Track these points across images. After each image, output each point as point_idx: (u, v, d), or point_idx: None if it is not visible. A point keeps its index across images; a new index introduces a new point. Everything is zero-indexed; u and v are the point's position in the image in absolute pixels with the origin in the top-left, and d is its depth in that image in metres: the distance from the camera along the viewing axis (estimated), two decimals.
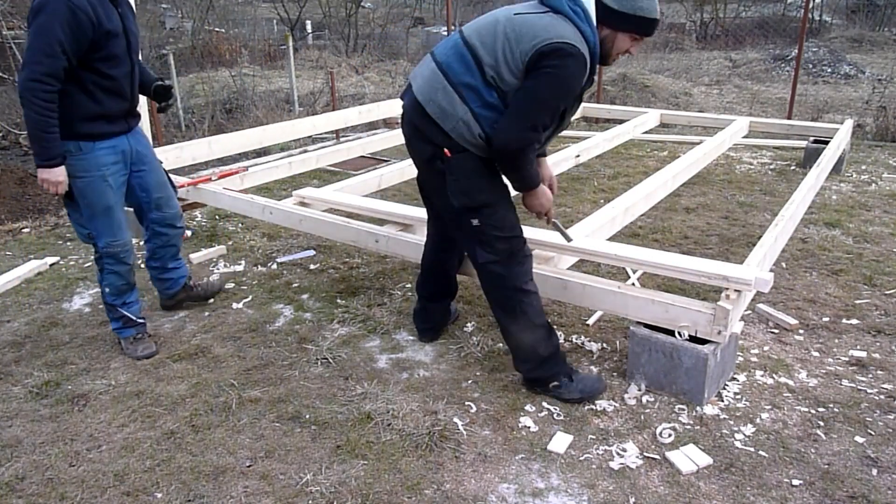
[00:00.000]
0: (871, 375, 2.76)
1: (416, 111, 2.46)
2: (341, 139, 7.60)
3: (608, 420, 2.48)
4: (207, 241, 4.36)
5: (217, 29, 13.87)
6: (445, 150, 2.41)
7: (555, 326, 2.79)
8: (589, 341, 3.03)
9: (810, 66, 11.82)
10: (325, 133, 7.41)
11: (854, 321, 3.20)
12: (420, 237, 3.32)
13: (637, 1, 2.30)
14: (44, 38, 2.47)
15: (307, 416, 2.51)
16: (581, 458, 2.28)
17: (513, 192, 2.55)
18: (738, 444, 2.34)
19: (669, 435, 2.37)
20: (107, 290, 2.93)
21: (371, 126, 8.05)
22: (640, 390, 2.63)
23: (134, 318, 2.98)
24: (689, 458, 2.24)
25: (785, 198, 4.32)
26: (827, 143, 5.39)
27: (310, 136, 6.84)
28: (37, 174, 2.64)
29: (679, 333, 2.51)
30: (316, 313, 3.35)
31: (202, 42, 12.78)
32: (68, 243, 4.39)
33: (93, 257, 2.92)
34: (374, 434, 2.40)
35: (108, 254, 2.86)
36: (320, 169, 5.85)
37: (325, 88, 9.50)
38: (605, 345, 3.00)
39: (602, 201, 4.81)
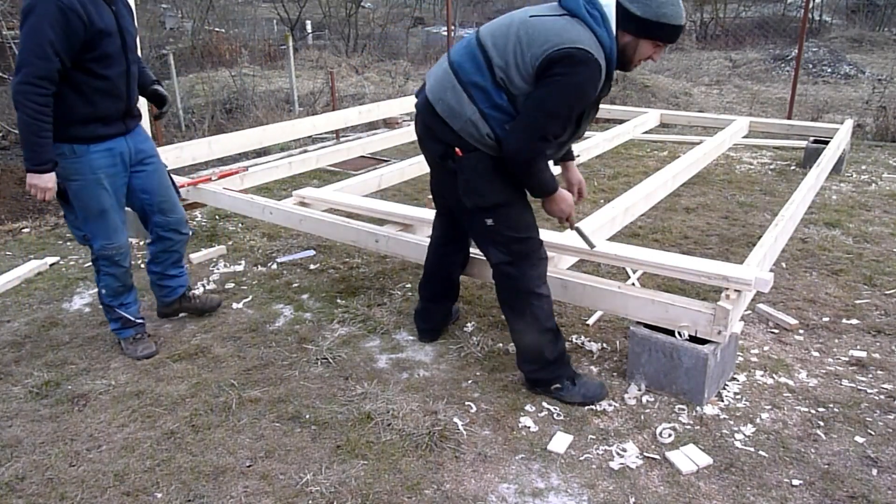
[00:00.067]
0: (871, 375, 2.76)
1: (427, 110, 2.45)
2: (341, 139, 7.59)
3: (608, 420, 2.48)
4: (207, 241, 4.36)
5: (217, 29, 13.87)
6: (457, 150, 2.38)
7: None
8: (589, 341, 3.03)
9: (810, 66, 11.82)
10: (325, 133, 7.41)
11: (854, 321, 3.20)
12: (420, 237, 3.32)
13: (661, 7, 2.20)
14: (34, 40, 2.42)
15: (307, 416, 2.51)
16: (581, 458, 2.28)
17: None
18: (738, 444, 2.34)
19: (669, 435, 2.37)
20: (103, 291, 2.92)
21: (371, 126, 8.05)
22: (640, 390, 2.63)
23: (132, 318, 2.97)
24: (689, 458, 2.24)
25: (785, 198, 4.32)
26: (827, 143, 5.39)
27: (310, 136, 6.84)
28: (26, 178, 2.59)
29: (679, 333, 2.51)
30: (316, 313, 3.35)
31: (202, 42, 12.78)
32: (68, 243, 4.39)
33: (91, 258, 2.90)
34: (374, 434, 2.40)
35: (102, 256, 2.83)
36: (320, 169, 5.85)
37: (325, 88, 9.50)
38: (605, 345, 3.00)
39: (602, 201, 4.81)
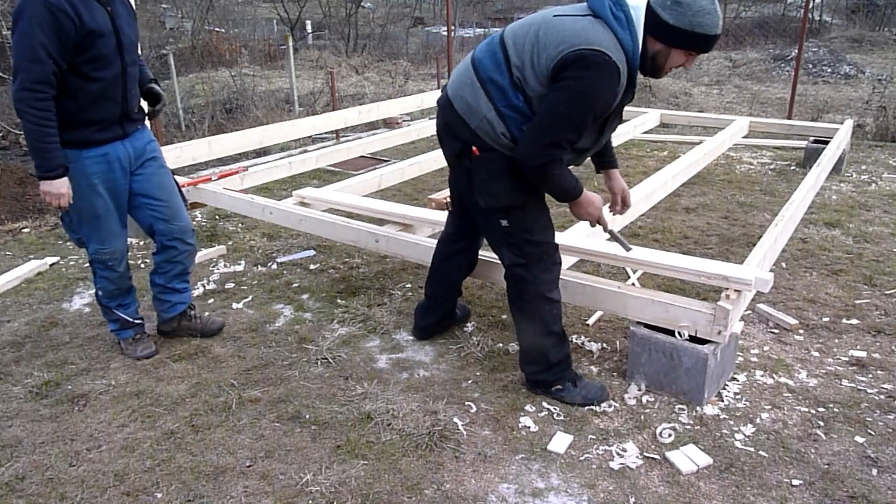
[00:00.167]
0: (871, 375, 2.76)
1: (446, 106, 2.42)
2: (341, 139, 7.60)
3: (608, 420, 2.48)
4: (207, 241, 4.36)
5: (217, 29, 13.88)
6: (473, 148, 2.35)
7: None
8: (589, 341, 3.03)
9: (810, 66, 11.83)
10: (325, 133, 7.41)
11: (854, 321, 3.20)
12: (420, 237, 3.32)
13: (697, 15, 2.07)
14: (26, 44, 2.35)
15: (307, 416, 2.51)
16: (581, 458, 2.28)
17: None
18: (738, 444, 2.34)
19: (669, 435, 2.37)
20: (100, 293, 2.90)
21: (371, 126, 8.05)
22: (640, 390, 2.63)
23: (130, 319, 2.95)
24: (689, 458, 2.24)
25: (785, 198, 4.32)
26: (827, 143, 5.39)
27: (310, 136, 6.85)
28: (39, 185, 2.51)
29: (679, 333, 2.51)
30: (316, 313, 3.35)
31: (202, 42, 12.79)
32: (68, 243, 4.39)
33: (88, 259, 2.87)
34: (374, 434, 2.40)
35: (97, 260, 2.79)
36: (320, 169, 5.85)
37: (325, 88, 9.50)
38: (605, 345, 3.00)
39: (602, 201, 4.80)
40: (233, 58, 12.18)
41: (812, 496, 2.10)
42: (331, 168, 6.11)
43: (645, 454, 2.29)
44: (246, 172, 4.43)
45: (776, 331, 3.13)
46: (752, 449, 2.31)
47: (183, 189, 3.05)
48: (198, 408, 2.58)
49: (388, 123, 8.11)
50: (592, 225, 2.52)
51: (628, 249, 2.68)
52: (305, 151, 6.48)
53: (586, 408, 2.53)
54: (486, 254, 2.93)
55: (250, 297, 3.54)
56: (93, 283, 2.95)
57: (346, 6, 16.00)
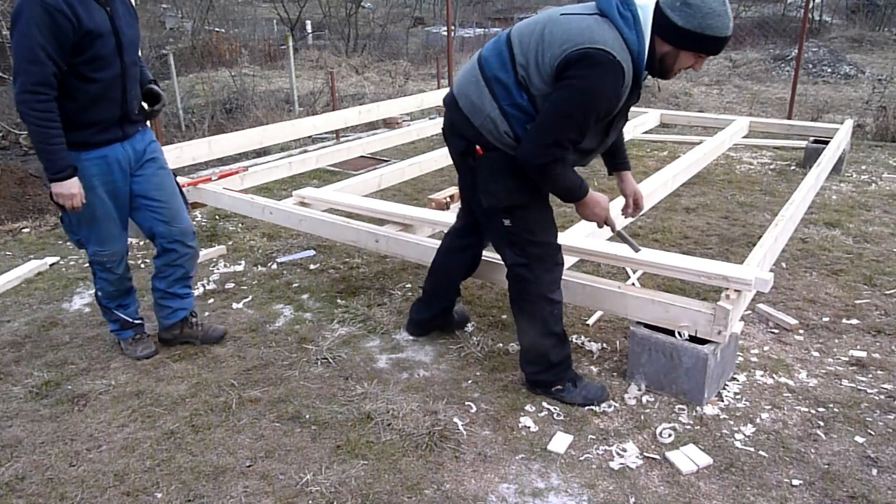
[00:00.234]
0: (871, 375, 2.76)
1: (452, 104, 2.42)
2: (341, 139, 7.60)
3: (608, 420, 2.48)
4: (207, 241, 4.36)
5: (217, 29, 13.88)
6: (477, 147, 2.35)
7: None
8: (589, 341, 3.03)
9: (810, 66, 11.83)
10: (325, 133, 7.41)
11: (854, 321, 3.20)
12: (420, 237, 3.32)
13: (707, 17, 2.03)
14: (25, 45, 2.33)
15: (307, 416, 2.51)
16: (581, 458, 2.28)
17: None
18: (738, 444, 2.34)
19: (669, 435, 2.37)
20: (99, 293, 2.90)
21: (371, 126, 8.05)
22: (640, 390, 2.63)
23: (130, 319, 2.95)
24: (689, 458, 2.24)
25: (785, 198, 4.32)
26: (827, 143, 5.39)
27: (310, 136, 6.85)
28: (50, 188, 2.49)
29: (679, 333, 2.51)
30: (316, 313, 3.35)
31: (202, 42, 12.80)
32: (68, 243, 4.39)
33: (88, 260, 2.86)
34: (374, 434, 2.40)
35: (96, 262, 2.79)
36: (320, 169, 5.85)
37: (325, 88, 9.50)
38: (605, 345, 3.00)
39: None
40: (233, 58, 12.19)
41: (812, 496, 2.10)
42: (331, 168, 6.11)
43: (645, 454, 2.29)
44: (246, 172, 4.43)
45: (776, 331, 3.13)
46: (752, 449, 2.31)
47: (183, 189, 3.03)
48: (198, 408, 2.58)
49: (388, 123, 8.12)
50: (600, 226, 2.49)
51: (637, 251, 2.65)
52: (305, 151, 6.48)
53: (586, 408, 2.53)
54: (487, 254, 2.94)
55: (250, 297, 3.54)
56: (92, 283, 2.95)
57: (346, 6, 16.01)
